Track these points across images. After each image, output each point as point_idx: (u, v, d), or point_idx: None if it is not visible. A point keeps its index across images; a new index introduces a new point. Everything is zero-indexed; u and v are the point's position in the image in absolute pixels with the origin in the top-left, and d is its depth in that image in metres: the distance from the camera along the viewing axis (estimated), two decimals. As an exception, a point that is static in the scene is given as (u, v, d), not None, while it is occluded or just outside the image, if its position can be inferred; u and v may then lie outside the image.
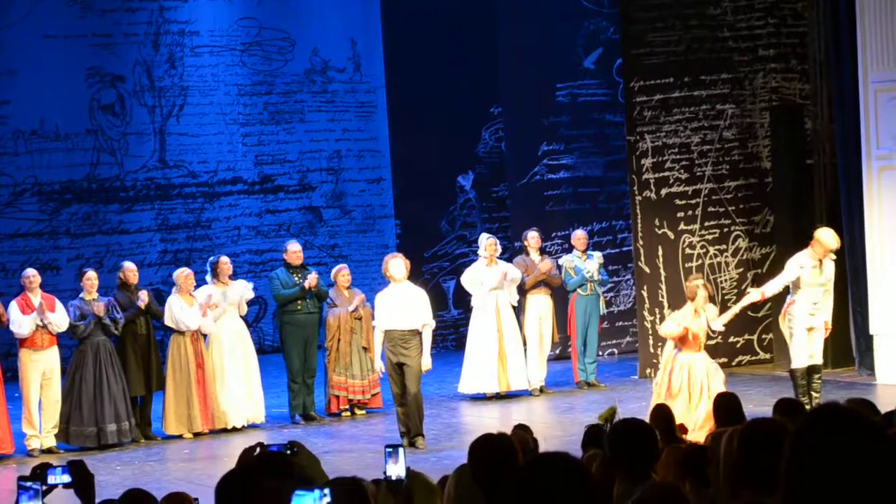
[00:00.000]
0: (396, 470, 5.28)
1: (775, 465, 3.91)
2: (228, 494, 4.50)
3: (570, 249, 17.10)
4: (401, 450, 5.36)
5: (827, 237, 13.68)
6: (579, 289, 16.56)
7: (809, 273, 13.62)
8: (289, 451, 5.02)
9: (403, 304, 13.47)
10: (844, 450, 2.83)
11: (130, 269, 14.81)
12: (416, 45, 20.51)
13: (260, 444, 5.08)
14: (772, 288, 13.90)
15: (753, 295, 13.99)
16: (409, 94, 20.66)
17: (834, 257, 13.98)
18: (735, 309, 13.97)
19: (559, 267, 16.70)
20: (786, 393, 13.59)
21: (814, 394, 13.87)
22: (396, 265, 13.66)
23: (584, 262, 16.51)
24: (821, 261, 13.63)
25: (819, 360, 13.96)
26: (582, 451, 7.90)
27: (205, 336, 14.82)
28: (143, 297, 14.48)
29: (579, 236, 16.78)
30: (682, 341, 12.90)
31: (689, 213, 17.26)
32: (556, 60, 19.16)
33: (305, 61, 21.74)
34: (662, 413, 8.57)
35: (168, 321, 14.61)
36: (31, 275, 14.30)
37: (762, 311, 17.34)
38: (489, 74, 20.02)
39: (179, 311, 14.55)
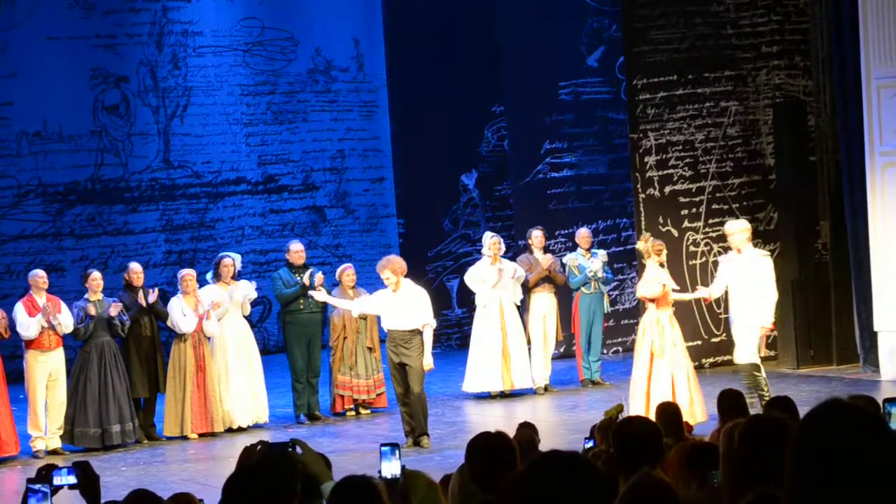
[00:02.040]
0: (392, 469, 5.28)
1: (776, 460, 3.91)
2: (236, 493, 4.51)
3: (574, 248, 17.09)
4: (396, 448, 5.36)
5: (726, 225, 13.85)
6: (583, 287, 16.55)
7: (728, 269, 13.55)
8: (290, 449, 5.02)
9: (404, 305, 13.46)
10: (847, 445, 2.83)
11: (135, 271, 14.81)
12: (419, 45, 20.51)
13: (262, 443, 5.08)
14: (716, 289, 13.81)
15: (702, 292, 14.02)
16: (412, 93, 20.66)
17: (763, 254, 13.80)
18: (687, 296, 14.12)
19: (563, 265, 16.69)
20: (790, 390, 13.60)
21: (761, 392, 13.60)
22: (385, 277, 13.58)
23: (588, 261, 16.49)
24: (739, 251, 13.45)
25: (749, 359, 13.54)
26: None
27: (209, 338, 14.82)
28: (152, 295, 14.48)
29: (583, 234, 16.76)
30: (660, 299, 13.21)
31: (693, 210, 17.25)
32: (559, 58, 19.16)
33: (308, 61, 21.75)
34: (669, 410, 8.56)
35: (168, 323, 14.64)
36: (41, 276, 14.29)
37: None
38: (492, 73, 20.02)
39: (177, 314, 14.55)
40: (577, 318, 16.61)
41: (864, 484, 2.80)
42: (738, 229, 13.51)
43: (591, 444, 7.75)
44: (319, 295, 14.70)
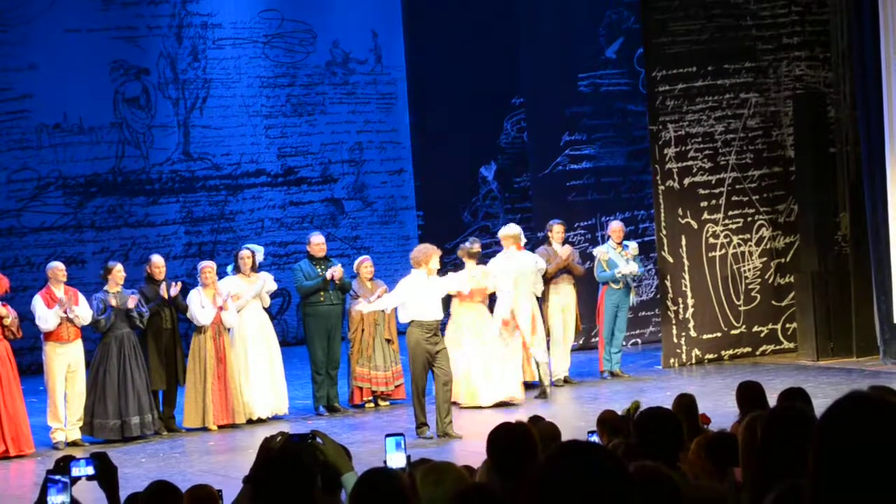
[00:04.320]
0: (397, 460, 5.27)
1: (798, 451, 3.90)
2: (256, 485, 4.52)
3: (601, 240, 17.03)
4: (402, 439, 5.34)
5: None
6: (611, 282, 16.41)
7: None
8: (311, 440, 5.02)
9: (438, 293, 13.56)
10: (870, 438, 2.82)
11: (157, 265, 14.82)
12: (437, 37, 20.50)
13: (282, 434, 5.08)
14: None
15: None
16: (431, 85, 20.66)
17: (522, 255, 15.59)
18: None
19: (592, 258, 16.62)
20: (810, 382, 13.58)
21: None
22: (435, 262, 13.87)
23: (619, 254, 16.31)
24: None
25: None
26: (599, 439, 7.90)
27: (229, 329, 14.84)
28: (174, 287, 14.51)
29: (616, 228, 16.56)
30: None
31: (713, 202, 17.22)
32: (578, 50, 19.12)
33: (327, 53, 21.76)
34: (686, 403, 8.53)
35: (188, 315, 14.66)
36: (60, 268, 14.31)
37: (786, 301, 17.31)
38: (510, 65, 20.00)
39: (196, 306, 14.58)
40: (601, 310, 16.57)
41: (887, 477, 2.79)
42: (504, 235, 15.64)
43: (594, 437, 7.72)
44: (363, 307, 14.66)
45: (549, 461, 2.99)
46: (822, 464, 2.86)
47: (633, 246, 16.54)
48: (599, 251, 16.54)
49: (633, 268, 16.31)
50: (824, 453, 2.86)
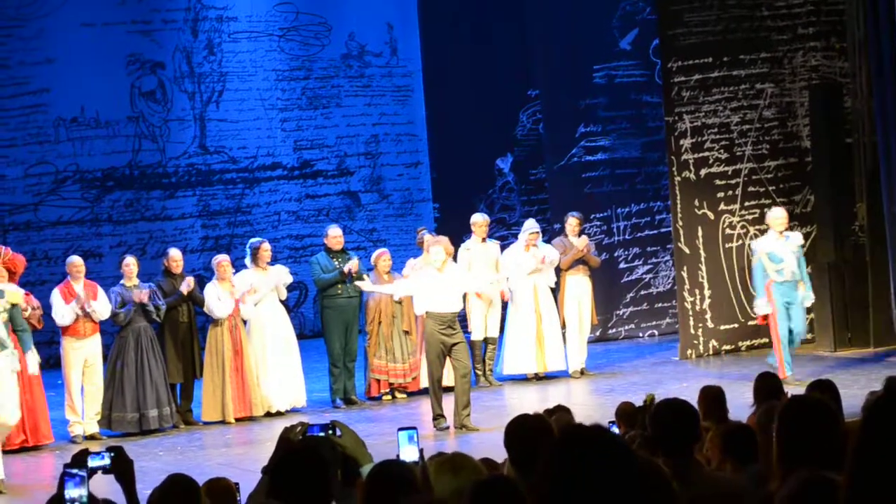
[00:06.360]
0: (410, 453, 5.28)
1: (815, 441, 3.90)
2: (274, 476, 4.54)
3: (612, 230, 16.94)
4: (414, 433, 5.35)
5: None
6: (775, 273, 14.72)
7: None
8: (330, 431, 5.03)
9: (452, 286, 13.54)
10: None
11: (175, 259, 14.86)
12: (453, 29, 20.48)
13: (301, 424, 5.10)
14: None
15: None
16: (446, 77, 20.63)
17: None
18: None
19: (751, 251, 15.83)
20: (827, 373, 13.55)
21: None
22: (435, 252, 13.69)
23: (785, 247, 14.72)
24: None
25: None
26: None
27: (245, 322, 14.87)
28: (189, 283, 14.55)
29: (778, 217, 14.89)
30: None
31: (729, 193, 17.19)
32: (593, 42, 19.09)
33: (342, 46, 21.76)
34: (712, 393, 8.50)
35: (205, 308, 14.69)
36: (77, 264, 14.34)
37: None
38: (525, 57, 19.97)
39: (212, 299, 14.60)
40: (773, 306, 14.78)
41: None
42: (475, 223, 16.31)
43: (613, 428, 7.75)
44: (365, 285, 14.76)
45: (555, 446, 3.00)
46: (865, 457, 2.83)
47: (794, 237, 14.96)
48: (759, 245, 14.98)
49: (793, 260, 14.63)
50: (867, 447, 2.83)
